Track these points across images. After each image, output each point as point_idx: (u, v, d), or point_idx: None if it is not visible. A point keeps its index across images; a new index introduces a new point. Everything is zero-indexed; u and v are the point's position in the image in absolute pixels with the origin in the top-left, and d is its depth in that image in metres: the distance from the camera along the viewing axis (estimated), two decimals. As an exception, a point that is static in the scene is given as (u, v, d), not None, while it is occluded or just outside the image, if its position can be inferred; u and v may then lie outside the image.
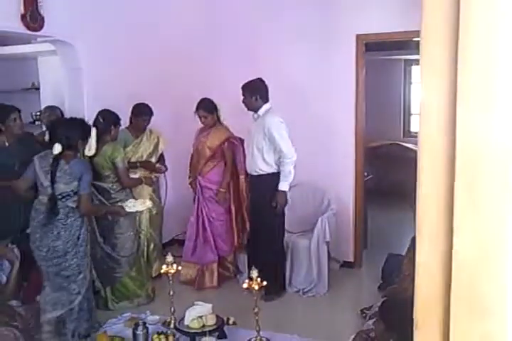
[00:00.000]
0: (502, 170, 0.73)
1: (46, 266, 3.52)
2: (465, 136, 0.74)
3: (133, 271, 4.25)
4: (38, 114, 4.74)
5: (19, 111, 4.14)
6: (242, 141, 4.62)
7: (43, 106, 5.02)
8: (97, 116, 4.11)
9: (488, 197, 0.73)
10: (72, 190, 3.41)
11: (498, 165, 0.73)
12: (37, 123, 5.79)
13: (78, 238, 3.49)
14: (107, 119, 4.08)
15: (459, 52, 0.74)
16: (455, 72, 0.75)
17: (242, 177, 4.64)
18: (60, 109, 4.78)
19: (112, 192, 4.03)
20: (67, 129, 3.47)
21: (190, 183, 4.84)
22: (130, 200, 4.02)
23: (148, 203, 4.07)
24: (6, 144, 4.08)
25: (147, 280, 4.42)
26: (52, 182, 3.37)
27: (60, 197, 3.40)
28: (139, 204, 3.99)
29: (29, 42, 5.09)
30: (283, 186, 4.13)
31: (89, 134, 3.66)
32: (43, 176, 3.43)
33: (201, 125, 4.64)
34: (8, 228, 4.02)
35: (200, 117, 4.53)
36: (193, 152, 4.79)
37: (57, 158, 3.39)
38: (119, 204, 3.99)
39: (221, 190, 4.61)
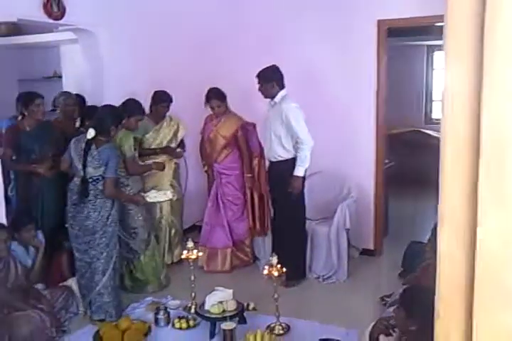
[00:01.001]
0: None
1: (77, 243, 3.68)
2: (491, 122, 0.73)
3: (147, 257, 4.27)
4: (53, 100, 4.75)
5: (43, 97, 4.22)
6: (254, 125, 4.67)
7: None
8: (122, 104, 4.15)
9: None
10: (101, 175, 3.57)
11: (524, 153, 0.72)
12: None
13: (108, 218, 3.63)
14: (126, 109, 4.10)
15: (485, 36, 0.73)
16: (481, 57, 0.74)
17: (255, 161, 4.68)
18: (82, 97, 4.82)
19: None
20: (101, 115, 3.62)
21: (206, 171, 4.89)
22: (152, 191, 4.09)
23: (169, 194, 4.12)
24: (28, 129, 4.17)
25: (162, 267, 4.42)
26: (84, 165, 3.53)
27: (90, 180, 3.57)
28: (160, 195, 4.05)
29: (51, 31, 5.12)
30: (299, 171, 4.15)
31: (121, 121, 3.76)
32: (76, 159, 3.61)
33: (208, 113, 4.71)
34: (31, 214, 4.11)
35: (212, 107, 4.58)
36: (203, 140, 4.84)
37: (89, 143, 3.54)
38: (141, 193, 4.08)
39: (248, 175, 4.68)
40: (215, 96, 4.54)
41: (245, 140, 4.68)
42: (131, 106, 4.15)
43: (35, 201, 4.23)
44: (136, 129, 4.24)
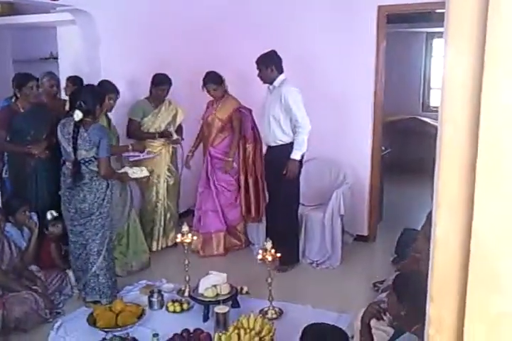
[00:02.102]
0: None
1: (72, 225, 3.67)
2: (491, 108, 0.73)
3: (123, 240, 4.27)
4: (36, 80, 4.71)
5: (37, 80, 4.19)
6: (250, 110, 4.66)
7: (62, 77, 5.02)
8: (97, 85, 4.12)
9: (512, 170, 0.73)
10: (94, 156, 3.52)
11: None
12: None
13: (103, 200, 3.62)
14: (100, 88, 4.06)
15: (488, 22, 0.72)
16: (482, 43, 0.74)
17: (249, 146, 4.67)
18: (80, 79, 4.78)
19: None
20: (84, 96, 3.55)
21: (192, 153, 4.86)
22: (126, 168, 4.04)
23: (145, 171, 4.11)
24: (22, 110, 4.15)
25: (143, 251, 4.42)
26: (75, 148, 3.49)
27: (83, 161, 3.53)
28: (137, 172, 4.04)
29: (48, 12, 5.06)
30: (295, 155, 4.16)
31: (104, 98, 3.74)
32: (65, 143, 3.55)
33: (211, 98, 4.70)
34: (25, 195, 4.11)
35: (209, 91, 4.58)
36: (202, 124, 4.83)
37: (77, 125, 3.48)
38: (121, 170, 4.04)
39: (228, 159, 4.65)
40: (211, 79, 4.54)
41: (239, 123, 4.66)
42: (105, 85, 4.10)
43: (29, 182, 4.22)
44: (111, 109, 4.18)
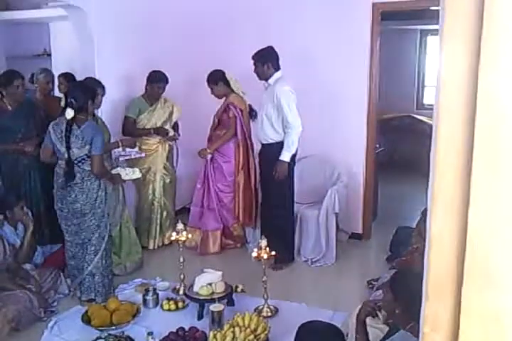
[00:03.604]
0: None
1: (66, 224, 3.65)
2: (486, 106, 0.73)
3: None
4: (30, 76, 4.67)
5: (23, 78, 4.14)
6: (241, 109, 4.53)
7: (55, 73, 4.99)
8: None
9: (508, 168, 0.72)
10: (86, 154, 3.49)
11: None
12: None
13: (96, 200, 3.58)
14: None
15: (484, 19, 0.72)
16: (478, 40, 0.73)
17: (240, 146, 4.59)
18: (73, 76, 4.75)
19: None
20: (74, 93, 3.51)
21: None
22: (117, 169, 4.02)
23: (138, 172, 4.11)
24: (10, 108, 4.11)
25: (137, 252, 4.37)
26: (68, 147, 3.46)
27: (76, 161, 3.50)
28: (130, 174, 4.03)
29: (40, 7, 5.03)
30: (284, 156, 4.12)
31: (95, 94, 3.70)
32: (58, 143, 3.52)
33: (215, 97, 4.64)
34: (19, 192, 4.08)
35: (210, 90, 4.54)
36: None
37: (70, 123, 3.45)
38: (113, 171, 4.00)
39: (207, 149, 4.57)
40: (208, 78, 4.52)
41: (232, 119, 4.55)
42: (91, 82, 4.02)
43: (22, 181, 4.19)
44: (99, 106, 4.10)
